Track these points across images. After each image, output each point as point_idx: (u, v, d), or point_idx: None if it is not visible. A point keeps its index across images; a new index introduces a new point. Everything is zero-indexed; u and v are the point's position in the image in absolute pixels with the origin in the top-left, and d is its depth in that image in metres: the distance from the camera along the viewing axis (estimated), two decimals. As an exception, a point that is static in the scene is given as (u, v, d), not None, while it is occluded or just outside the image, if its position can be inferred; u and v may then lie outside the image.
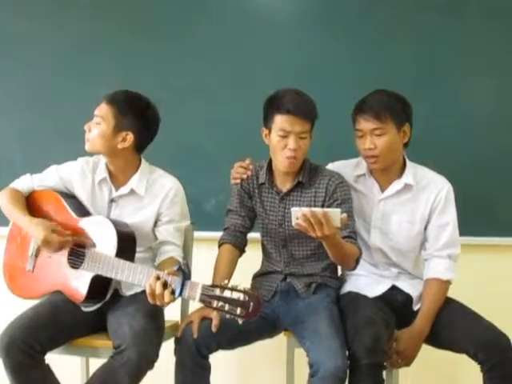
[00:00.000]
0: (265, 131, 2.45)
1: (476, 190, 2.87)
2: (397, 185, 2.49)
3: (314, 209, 2.15)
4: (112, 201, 2.46)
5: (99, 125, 2.40)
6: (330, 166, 2.57)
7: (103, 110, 2.40)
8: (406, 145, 2.49)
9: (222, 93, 3.04)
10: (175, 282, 2.13)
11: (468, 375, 2.60)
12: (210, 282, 2.37)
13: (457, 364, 2.89)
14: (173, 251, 2.44)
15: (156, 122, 2.47)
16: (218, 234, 2.57)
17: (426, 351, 2.42)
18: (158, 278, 2.13)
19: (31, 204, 2.48)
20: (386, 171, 2.49)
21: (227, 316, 2.04)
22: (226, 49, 3.04)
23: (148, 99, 2.45)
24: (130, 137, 2.40)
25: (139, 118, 2.41)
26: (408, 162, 2.51)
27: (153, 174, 2.49)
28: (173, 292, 2.12)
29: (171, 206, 2.46)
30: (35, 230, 2.33)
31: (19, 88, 3.17)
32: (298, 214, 2.14)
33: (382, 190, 2.51)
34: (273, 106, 2.40)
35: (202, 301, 2.07)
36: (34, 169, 2.54)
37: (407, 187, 2.48)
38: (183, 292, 2.10)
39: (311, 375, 2.19)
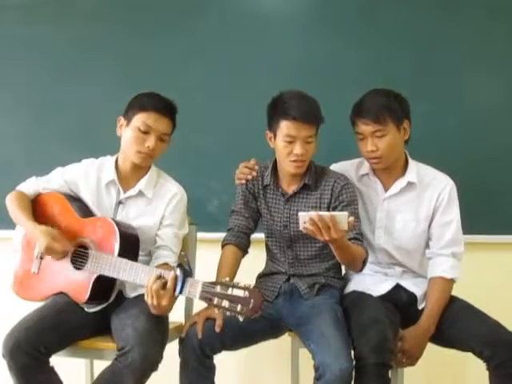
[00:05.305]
0: (269, 134, 2.44)
1: (478, 189, 2.86)
2: (400, 183, 2.48)
3: (321, 213, 2.14)
4: (120, 203, 2.45)
5: (165, 143, 2.43)
6: (333, 167, 2.57)
7: (169, 128, 2.42)
8: (406, 141, 2.48)
9: (224, 93, 3.04)
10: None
11: (474, 373, 2.59)
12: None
13: (462, 362, 2.89)
14: (168, 257, 2.40)
15: None
16: (221, 235, 2.56)
17: (432, 350, 2.41)
18: (159, 278, 2.13)
19: (37, 207, 2.47)
20: (389, 170, 2.48)
21: (227, 313, 2.02)
22: (228, 49, 3.04)
23: None
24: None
25: (174, 126, 2.47)
26: (410, 160, 2.51)
27: (160, 178, 2.50)
28: (174, 289, 2.11)
29: (173, 211, 2.45)
30: (39, 237, 2.32)
31: (22, 90, 3.18)
32: (306, 219, 2.13)
33: (386, 189, 2.51)
34: (278, 110, 2.37)
35: (202, 298, 2.06)
36: (37, 171, 2.54)
37: (410, 185, 2.48)
38: (184, 289, 2.10)
39: (317, 378, 2.17)
